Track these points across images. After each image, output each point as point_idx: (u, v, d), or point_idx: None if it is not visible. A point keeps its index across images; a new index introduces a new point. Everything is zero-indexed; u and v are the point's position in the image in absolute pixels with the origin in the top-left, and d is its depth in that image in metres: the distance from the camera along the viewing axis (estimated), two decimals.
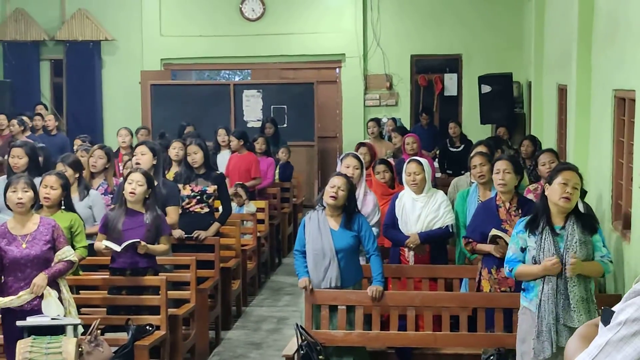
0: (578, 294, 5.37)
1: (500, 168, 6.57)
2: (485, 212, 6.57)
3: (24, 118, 13.09)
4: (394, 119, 14.90)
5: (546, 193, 5.50)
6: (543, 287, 5.39)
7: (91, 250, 7.03)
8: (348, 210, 6.43)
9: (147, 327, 6.51)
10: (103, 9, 17.03)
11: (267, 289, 10.54)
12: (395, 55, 16.62)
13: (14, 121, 12.73)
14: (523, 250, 5.52)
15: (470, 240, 6.58)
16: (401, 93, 16.79)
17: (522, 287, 5.61)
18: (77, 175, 7.66)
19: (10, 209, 6.03)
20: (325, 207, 6.45)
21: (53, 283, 5.92)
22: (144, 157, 7.74)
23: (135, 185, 6.76)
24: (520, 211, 6.37)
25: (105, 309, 6.86)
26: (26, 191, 5.93)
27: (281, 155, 12.78)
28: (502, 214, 6.44)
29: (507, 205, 6.49)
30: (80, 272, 7.06)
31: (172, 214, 7.71)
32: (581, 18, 8.67)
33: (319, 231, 6.38)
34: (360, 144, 9.39)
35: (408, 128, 14.65)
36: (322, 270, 6.37)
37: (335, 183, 6.39)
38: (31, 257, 5.84)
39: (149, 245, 6.71)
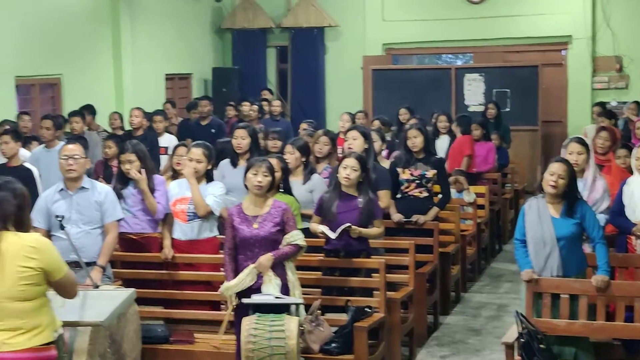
0: None
1: None
2: None
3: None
4: (637, 102, 14.16)
5: None
6: None
7: (307, 232, 7.19)
8: (569, 197, 6.15)
9: (366, 309, 6.57)
10: None
11: (487, 276, 10.40)
12: (626, 35, 15.88)
13: (253, 106, 13.42)
14: None
15: None
16: (632, 75, 16.03)
17: None
18: (303, 159, 7.81)
19: (247, 189, 6.18)
20: (545, 195, 6.22)
21: (279, 265, 6.05)
22: (356, 142, 7.76)
23: (349, 171, 6.81)
24: None
25: (319, 290, 6.97)
26: (266, 176, 6.08)
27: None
28: None
29: None
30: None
31: (384, 197, 7.71)
32: None
33: (539, 219, 6.13)
34: (602, 128, 8.95)
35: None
36: (542, 259, 6.12)
37: (554, 170, 6.11)
38: (259, 238, 6.01)
39: (361, 229, 6.73)
